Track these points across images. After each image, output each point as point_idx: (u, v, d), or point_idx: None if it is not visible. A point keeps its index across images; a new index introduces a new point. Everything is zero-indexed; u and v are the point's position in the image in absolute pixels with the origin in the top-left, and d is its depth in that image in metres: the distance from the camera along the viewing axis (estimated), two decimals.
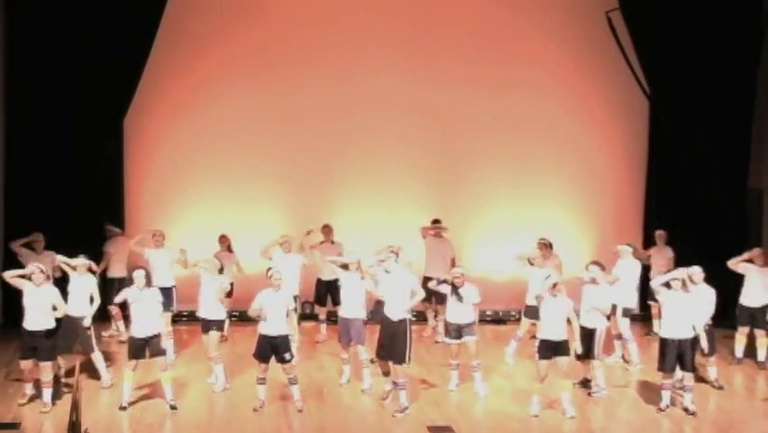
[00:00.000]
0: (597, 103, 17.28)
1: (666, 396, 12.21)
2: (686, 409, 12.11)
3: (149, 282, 12.14)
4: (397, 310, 12.19)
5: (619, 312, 13.88)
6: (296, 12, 16.73)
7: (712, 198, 16.55)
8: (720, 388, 13.14)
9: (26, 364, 12.08)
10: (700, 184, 16.59)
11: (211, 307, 12.84)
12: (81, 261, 12.95)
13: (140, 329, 12.01)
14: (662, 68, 16.31)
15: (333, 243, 15.45)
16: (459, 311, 12.72)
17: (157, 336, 12.06)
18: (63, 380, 12.62)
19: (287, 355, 11.97)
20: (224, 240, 15.35)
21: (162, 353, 12.14)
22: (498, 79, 17.00)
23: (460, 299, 12.65)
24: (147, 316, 12.01)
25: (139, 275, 12.11)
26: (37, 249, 14.22)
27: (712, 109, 16.36)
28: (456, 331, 12.75)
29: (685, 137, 16.51)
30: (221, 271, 13.02)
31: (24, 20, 15.46)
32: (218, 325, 12.90)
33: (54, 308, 12.01)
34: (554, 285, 12.03)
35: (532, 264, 14.00)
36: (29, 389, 12.15)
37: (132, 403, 12.05)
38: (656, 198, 17.16)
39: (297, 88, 16.76)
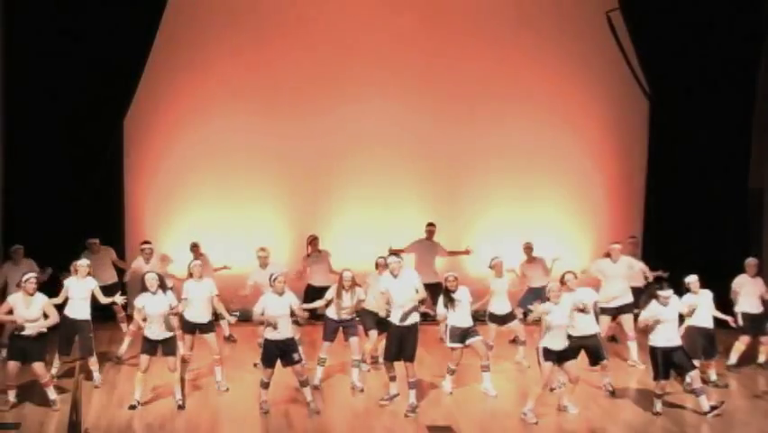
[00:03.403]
0: (597, 103, 17.28)
1: (658, 404, 12.11)
2: (705, 413, 11.97)
3: (162, 287, 12.12)
4: (410, 315, 12.01)
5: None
6: (300, 22, 16.69)
7: (712, 198, 16.55)
8: (726, 386, 13.12)
9: (14, 366, 11.86)
10: (700, 184, 16.59)
11: (202, 311, 12.84)
12: (83, 263, 12.94)
13: (153, 332, 12.00)
14: (663, 68, 16.32)
15: (320, 252, 15.17)
16: (460, 315, 12.53)
17: (171, 338, 12.09)
18: (55, 380, 12.56)
19: (295, 356, 11.90)
20: (195, 248, 14.93)
21: (174, 353, 12.12)
22: (497, 80, 17.02)
23: (453, 305, 12.43)
24: (160, 319, 11.99)
25: (151, 278, 12.08)
26: (16, 259, 13.97)
27: (712, 109, 16.36)
28: (461, 336, 12.55)
29: (685, 137, 16.51)
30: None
31: (24, 20, 15.47)
32: (208, 327, 12.87)
33: (45, 316, 11.79)
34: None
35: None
36: (12, 396, 11.99)
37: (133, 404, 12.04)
38: (656, 197, 17.16)
39: (298, 91, 16.75)
